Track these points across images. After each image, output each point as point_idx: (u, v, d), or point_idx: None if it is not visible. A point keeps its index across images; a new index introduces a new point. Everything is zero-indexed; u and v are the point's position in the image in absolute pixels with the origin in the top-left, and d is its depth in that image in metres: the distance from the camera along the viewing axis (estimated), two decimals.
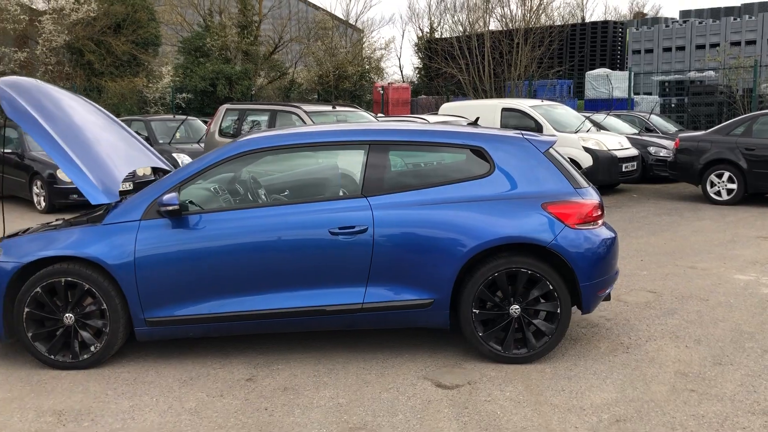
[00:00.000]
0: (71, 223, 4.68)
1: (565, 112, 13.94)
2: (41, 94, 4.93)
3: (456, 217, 4.38)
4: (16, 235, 4.80)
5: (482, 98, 22.38)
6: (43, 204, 11.48)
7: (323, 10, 32.90)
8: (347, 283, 4.42)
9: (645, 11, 43.52)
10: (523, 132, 4.81)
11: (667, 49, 23.17)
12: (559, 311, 4.39)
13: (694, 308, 5.53)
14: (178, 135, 14.15)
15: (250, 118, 11.56)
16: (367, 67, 29.61)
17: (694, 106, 19.65)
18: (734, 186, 11.04)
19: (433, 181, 4.53)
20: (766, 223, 9.36)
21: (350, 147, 4.65)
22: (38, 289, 4.40)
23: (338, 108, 11.35)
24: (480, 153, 4.57)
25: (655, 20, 25.93)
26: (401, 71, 36.25)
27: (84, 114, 5.26)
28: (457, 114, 13.83)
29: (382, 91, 25.47)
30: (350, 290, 4.42)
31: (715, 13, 24.61)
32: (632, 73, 20.73)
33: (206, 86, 23.75)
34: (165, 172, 6.19)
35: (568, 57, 24.37)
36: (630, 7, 45.35)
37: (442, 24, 30.21)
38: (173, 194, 4.35)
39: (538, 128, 12.56)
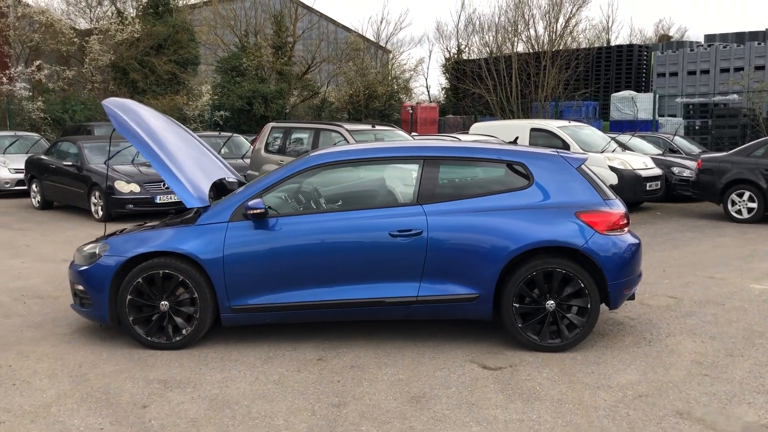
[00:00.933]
0: (166, 224, 5.43)
1: (591, 132, 14.57)
2: (138, 113, 5.71)
3: (499, 223, 5.06)
4: (113, 235, 5.56)
5: (509, 118, 23.08)
6: (100, 213, 12.32)
7: (355, 32, 33.87)
8: (404, 279, 5.11)
9: (670, 33, 44.04)
10: (558, 150, 5.50)
11: (692, 73, 23.70)
12: (589, 306, 5.03)
13: (710, 311, 6.13)
14: (223, 150, 15.01)
15: (294, 136, 12.35)
16: (396, 87, 30.47)
17: (718, 128, 20.17)
18: (754, 205, 11.57)
19: (477, 192, 5.22)
20: None
21: (407, 161, 5.37)
22: (140, 279, 5.15)
23: (377, 127, 12.10)
24: (520, 167, 5.25)
25: (680, 44, 26.46)
26: (428, 91, 37.04)
27: (171, 130, 6.03)
28: (488, 133, 14.55)
29: (411, 111, 26.26)
30: (406, 285, 5.11)
31: (740, 37, 25.10)
32: (657, 96, 21.29)
33: (243, 105, 24.73)
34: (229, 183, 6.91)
35: (594, 79, 24.97)
36: (655, 30, 45.83)
37: (469, 45, 31.01)
38: (259, 199, 5.10)
39: (566, 147, 13.18)
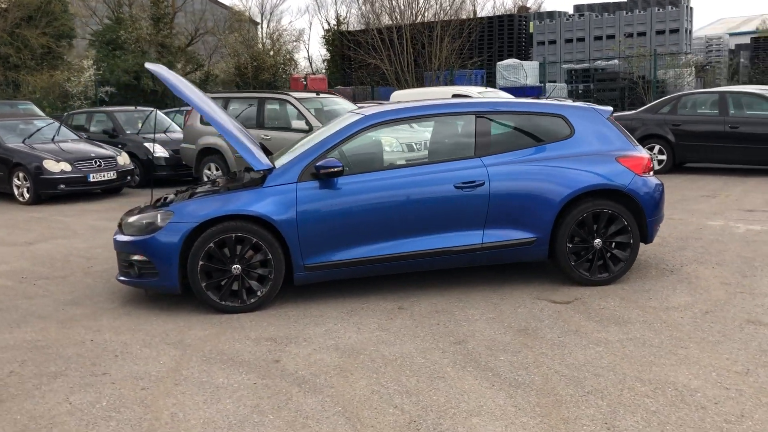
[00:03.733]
0: (228, 188, 5.40)
1: (506, 96, 15.41)
2: (180, 79, 5.59)
3: (553, 171, 5.51)
4: (163, 202, 5.44)
5: (404, 88, 23.63)
6: (26, 195, 11.54)
7: (231, 8, 33.00)
8: (469, 228, 5.45)
9: (528, 5, 46.38)
10: (589, 103, 6.01)
11: (569, 41, 25.41)
12: (631, 242, 5.62)
13: (697, 245, 6.95)
14: (141, 125, 14.42)
15: (233, 107, 12.14)
16: (281, 59, 30.18)
17: (600, 91, 21.86)
18: (664, 157, 12.85)
19: (527, 143, 5.63)
20: (699, 185, 11.13)
21: (461, 116, 5.67)
22: (211, 244, 5.12)
23: (321, 95, 12.21)
24: (562, 119, 5.72)
25: (554, 14, 28.14)
26: (311, 63, 36.87)
27: (205, 97, 5.96)
28: (409, 99, 14.97)
29: (305, 82, 26.17)
30: (471, 233, 5.46)
31: (606, 8, 27.12)
32: (546, 63, 22.66)
33: (130, 80, 23.56)
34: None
35: (487, 48, 26.07)
36: (514, 2, 48.07)
37: (348, 17, 31.24)
38: (333, 158, 5.21)
39: None
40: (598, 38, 24.90)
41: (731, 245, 6.87)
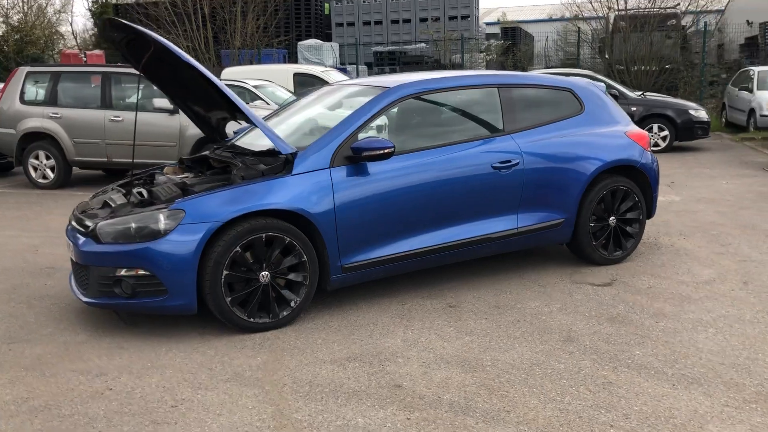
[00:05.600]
0: (242, 177, 4.31)
1: (342, 77, 14.97)
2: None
3: (578, 146, 5.24)
4: (167, 198, 4.25)
5: (205, 65, 22.03)
6: None
7: None
8: (505, 212, 4.99)
9: None
10: (585, 79, 5.82)
11: (367, 23, 25.54)
12: (641, 217, 5.57)
13: (658, 220, 7.03)
14: None
15: (66, 84, 10.22)
16: (47, 32, 26.56)
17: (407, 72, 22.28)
18: None
19: (546, 119, 5.28)
20: None
21: (485, 89, 5.14)
22: (237, 248, 4.07)
23: None
24: (571, 93, 5.46)
25: None
26: (75, 37, 32.92)
27: None
28: (241, 78, 13.82)
29: (84, 57, 23.23)
30: (508, 218, 5.00)
31: None
32: (346, 45, 22.51)
33: None
34: None
35: (295, 27, 25.20)
36: None
37: None
38: (374, 138, 4.40)
39: None
40: (395, 21, 25.36)
41: (669, 217, 7.18)
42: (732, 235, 6.32)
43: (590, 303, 4.61)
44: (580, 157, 5.22)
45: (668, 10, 24.26)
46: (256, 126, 4.33)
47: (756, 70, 16.27)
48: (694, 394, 3.30)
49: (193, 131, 9.30)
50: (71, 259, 4.49)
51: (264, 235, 4.13)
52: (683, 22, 23.51)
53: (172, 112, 9.49)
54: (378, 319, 4.41)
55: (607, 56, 24.40)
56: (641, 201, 5.54)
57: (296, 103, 5.82)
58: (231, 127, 5.60)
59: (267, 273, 4.19)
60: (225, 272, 4.05)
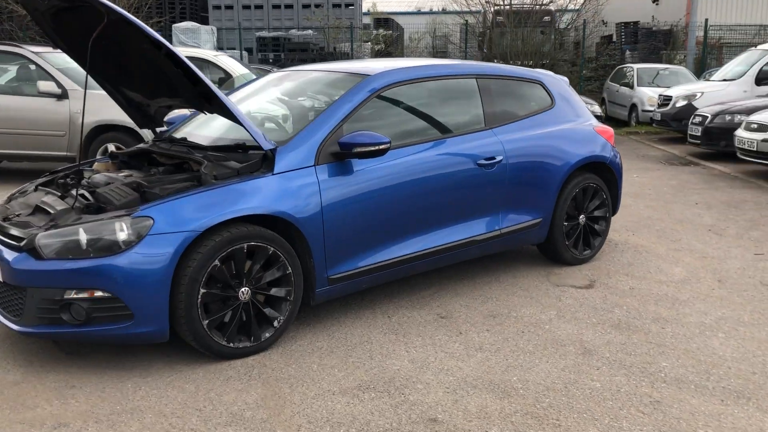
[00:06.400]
0: (215, 176, 3.64)
1: (235, 63, 14.09)
2: None
3: (553, 142, 4.98)
4: (123, 203, 3.51)
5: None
6: None
7: None
8: (489, 212, 4.64)
9: None
10: (546, 71, 5.58)
11: (246, 7, 24.45)
12: (607, 215, 5.42)
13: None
14: None
15: None
16: None
17: (291, 61, 21.54)
18: None
19: (521, 113, 4.98)
20: None
21: (463, 79, 4.74)
22: (216, 261, 3.44)
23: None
24: (541, 86, 5.20)
25: None
26: None
27: None
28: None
29: None
30: (491, 219, 4.66)
31: None
32: (241, 30, 21.45)
33: None
34: None
35: (168, 9, 23.60)
36: None
37: None
38: (365, 132, 3.88)
39: (228, 76, 12.55)
40: (276, 6, 24.47)
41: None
42: (676, 231, 6.36)
43: (584, 308, 4.36)
44: (555, 153, 4.97)
45: (542, 7, 25.15)
46: (232, 115, 3.66)
47: (635, 67, 17.08)
48: (749, 410, 3.10)
49: (87, 119, 8.25)
50: None
51: (246, 244, 3.52)
52: (557, 20, 24.44)
53: (60, 97, 8.37)
54: (369, 335, 3.92)
55: (485, 51, 24.93)
56: (608, 198, 5.38)
57: (243, 88, 5.15)
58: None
59: (247, 289, 3.58)
60: (202, 291, 3.40)
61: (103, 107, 8.32)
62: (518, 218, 4.81)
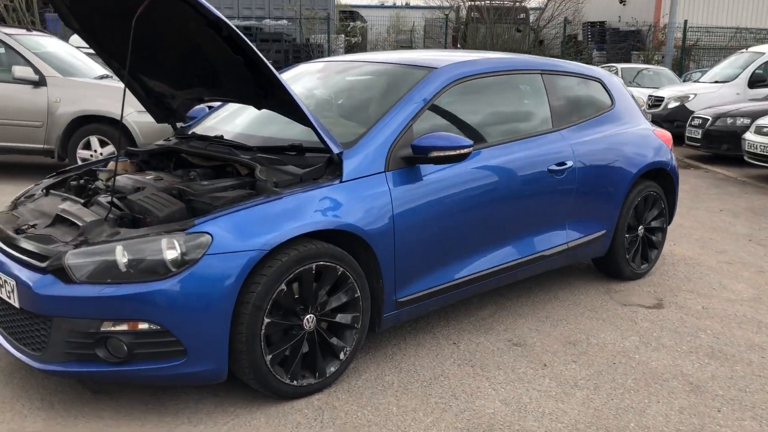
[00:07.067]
0: (276, 184, 3.06)
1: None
2: None
3: (618, 146, 4.54)
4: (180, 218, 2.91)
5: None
6: None
7: None
8: (555, 225, 4.17)
9: None
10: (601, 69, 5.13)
11: None
12: (664, 225, 5.00)
13: None
14: None
15: None
16: None
17: (264, 51, 20.79)
18: None
19: (584, 114, 4.51)
20: None
21: (529, 74, 4.25)
22: (282, 285, 2.88)
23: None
24: (600, 84, 4.74)
25: None
26: None
27: None
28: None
29: None
30: (557, 232, 4.19)
31: None
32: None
33: None
34: None
35: None
36: None
37: None
38: (442, 133, 3.35)
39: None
40: None
41: None
42: (715, 241, 6.00)
43: (666, 333, 3.93)
44: (621, 159, 4.53)
45: (516, 5, 24.94)
46: (302, 113, 3.08)
47: (618, 67, 16.88)
48: None
49: (67, 109, 7.52)
50: None
51: (314, 264, 2.96)
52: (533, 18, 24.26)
53: (37, 84, 7.60)
54: (442, 368, 3.40)
55: (458, 45, 24.59)
56: (666, 207, 4.97)
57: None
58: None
59: (312, 316, 3.03)
60: (266, 320, 2.84)
61: (83, 96, 7.64)
62: (584, 230, 4.35)
